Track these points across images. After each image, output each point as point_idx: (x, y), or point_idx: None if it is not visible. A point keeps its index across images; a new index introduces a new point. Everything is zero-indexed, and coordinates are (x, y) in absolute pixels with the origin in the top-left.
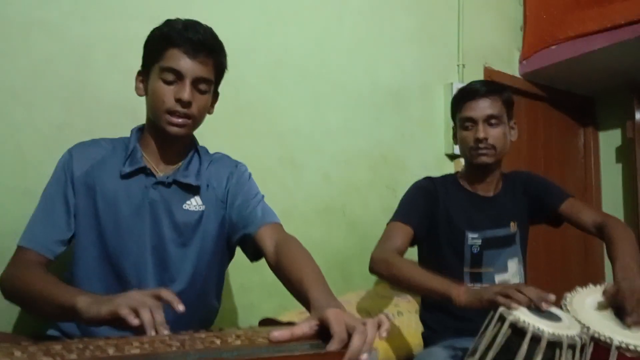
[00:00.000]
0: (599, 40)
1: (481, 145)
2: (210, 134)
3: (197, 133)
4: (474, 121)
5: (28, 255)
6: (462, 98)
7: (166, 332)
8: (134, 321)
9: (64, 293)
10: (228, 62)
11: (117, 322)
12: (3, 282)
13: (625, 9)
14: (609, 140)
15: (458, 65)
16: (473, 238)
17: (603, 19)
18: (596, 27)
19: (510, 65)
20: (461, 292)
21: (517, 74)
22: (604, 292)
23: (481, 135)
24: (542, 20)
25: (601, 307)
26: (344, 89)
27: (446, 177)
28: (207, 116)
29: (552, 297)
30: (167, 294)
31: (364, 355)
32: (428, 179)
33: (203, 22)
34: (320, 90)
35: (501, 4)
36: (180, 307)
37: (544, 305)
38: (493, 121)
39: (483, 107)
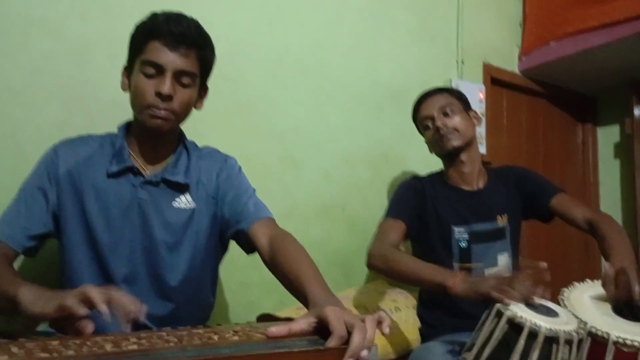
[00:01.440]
0: (598, 37)
1: (442, 132)
2: (210, 133)
3: (197, 132)
4: (430, 118)
5: None
6: (416, 105)
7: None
8: (80, 310)
9: (8, 284)
10: (228, 60)
11: (63, 320)
12: None
13: (624, 5)
14: (608, 136)
15: (457, 62)
16: (460, 232)
17: (602, 15)
18: (595, 24)
19: (509, 62)
20: (457, 282)
21: (516, 70)
22: (604, 277)
23: (439, 123)
24: (541, 16)
25: (599, 301)
26: (344, 87)
27: (432, 175)
28: (207, 114)
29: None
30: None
31: (365, 352)
32: (415, 177)
33: (203, 20)
34: (320, 89)
35: (500, 0)
36: (141, 317)
37: (535, 299)
38: (447, 110)
39: (434, 102)
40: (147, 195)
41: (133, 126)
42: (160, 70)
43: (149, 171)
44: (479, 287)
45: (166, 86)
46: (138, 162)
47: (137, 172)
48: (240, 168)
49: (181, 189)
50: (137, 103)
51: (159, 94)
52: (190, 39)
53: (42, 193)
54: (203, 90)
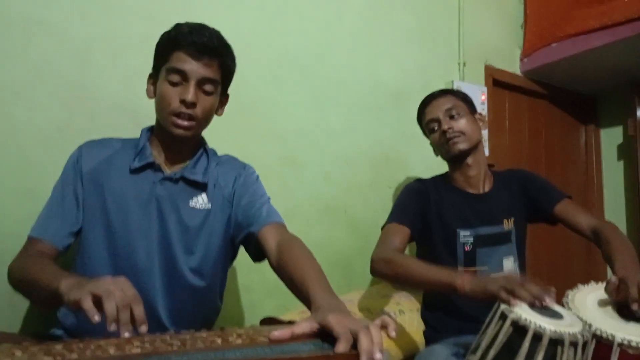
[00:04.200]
0: (599, 38)
1: (449, 135)
2: (211, 133)
3: None
4: (436, 120)
5: (38, 245)
6: (422, 107)
7: (128, 334)
8: (93, 318)
9: (53, 277)
10: None
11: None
12: (11, 271)
13: (625, 6)
14: (611, 137)
15: (459, 64)
16: (465, 236)
17: (603, 16)
18: (597, 25)
19: (511, 63)
20: (465, 281)
21: (518, 71)
22: (607, 283)
23: (445, 126)
24: (543, 17)
25: (603, 304)
26: (345, 88)
27: (436, 178)
28: None
29: (553, 290)
30: (139, 310)
31: (378, 355)
32: (418, 180)
33: (203, 21)
34: (321, 90)
35: (501, 2)
36: (144, 329)
37: (547, 301)
38: (453, 113)
39: (440, 104)
40: (165, 192)
41: (156, 130)
42: (184, 78)
43: (169, 170)
44: (487, 286)
45: (190, 94)
46: (159, 160)
47: (157, 169)
48: (257, 176)
49: (199, 187)
50: (162, 109)
51: (183, 101)
52: (212, 48)
53: (73, 191)
54: (224, 97)
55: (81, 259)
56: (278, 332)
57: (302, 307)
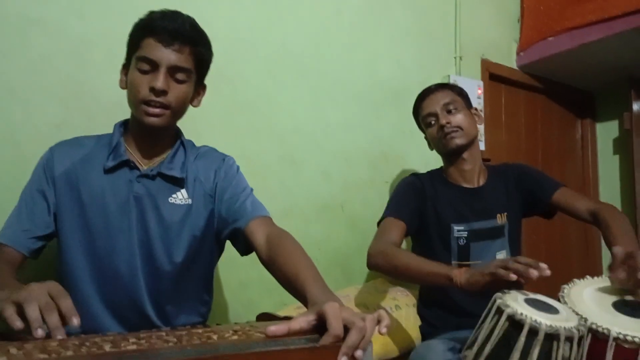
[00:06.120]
0: (596, 32)
1: (446, 130)
2: (209, 132)
3: (196, 131)
4: (434, 115)
5: (3, 251)
6: (418, 101)
7: (60, 336)
8: (14, 324)
9: None
10: (226, 59)
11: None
12: None
13: (621, 0)
14: (607, 131)
15: (455, 58)
16: (459, 230)
17: (600, 10)
18: (593, 19)
19: (507, 58)
20: (462, 272)
21: (514, 66)
22: (613, 259)
23: (443, 121)
24: (539, 12)
25: (599, 298)
26: (343, 86)
27: (432, 173)
28: (206, 114)
29: (545, 266)
30: (65, 305)
31: (359, 352)
32: (414, 175)
33: (201, 19)
34: (319, 87)
35: None
36: (75, 322)
37: (535, 295)
38: (450, 107)
39: (437, 98)
40: (143, 190)
41: (130, 123)
42: (154, 66)
43: (145, 166)
44: (484, 270)
45: (159, 81)
46: (134, 157)
47: (133, 167)
48: (238, 167)
49: (177, 183)
50: (133, 98)
51: (152, 89)
52: (184, 35)
53: (42, 195)
54: (201, 88)
55: (61, 263)
56: (274, 328)
57: (299, 303)
